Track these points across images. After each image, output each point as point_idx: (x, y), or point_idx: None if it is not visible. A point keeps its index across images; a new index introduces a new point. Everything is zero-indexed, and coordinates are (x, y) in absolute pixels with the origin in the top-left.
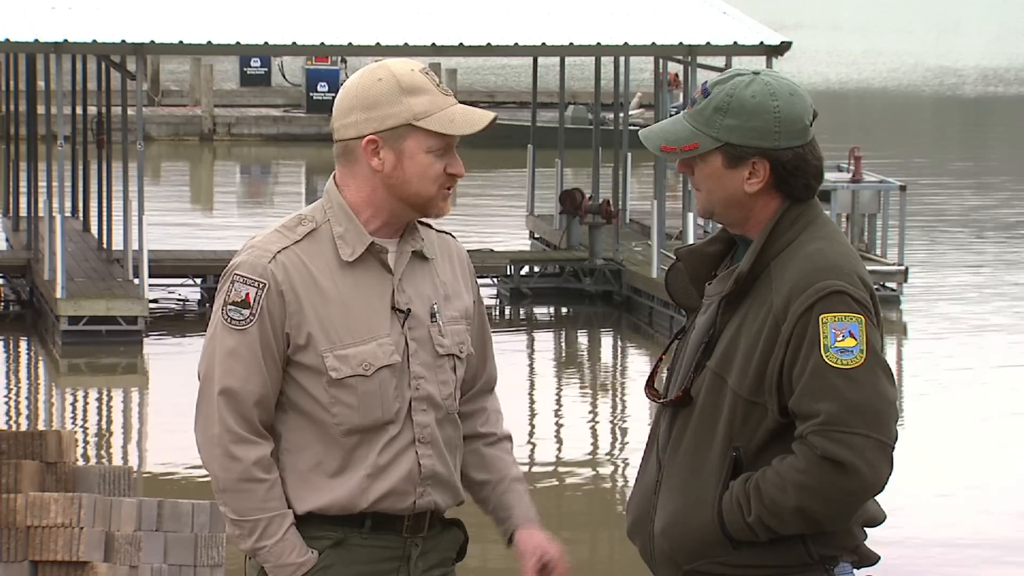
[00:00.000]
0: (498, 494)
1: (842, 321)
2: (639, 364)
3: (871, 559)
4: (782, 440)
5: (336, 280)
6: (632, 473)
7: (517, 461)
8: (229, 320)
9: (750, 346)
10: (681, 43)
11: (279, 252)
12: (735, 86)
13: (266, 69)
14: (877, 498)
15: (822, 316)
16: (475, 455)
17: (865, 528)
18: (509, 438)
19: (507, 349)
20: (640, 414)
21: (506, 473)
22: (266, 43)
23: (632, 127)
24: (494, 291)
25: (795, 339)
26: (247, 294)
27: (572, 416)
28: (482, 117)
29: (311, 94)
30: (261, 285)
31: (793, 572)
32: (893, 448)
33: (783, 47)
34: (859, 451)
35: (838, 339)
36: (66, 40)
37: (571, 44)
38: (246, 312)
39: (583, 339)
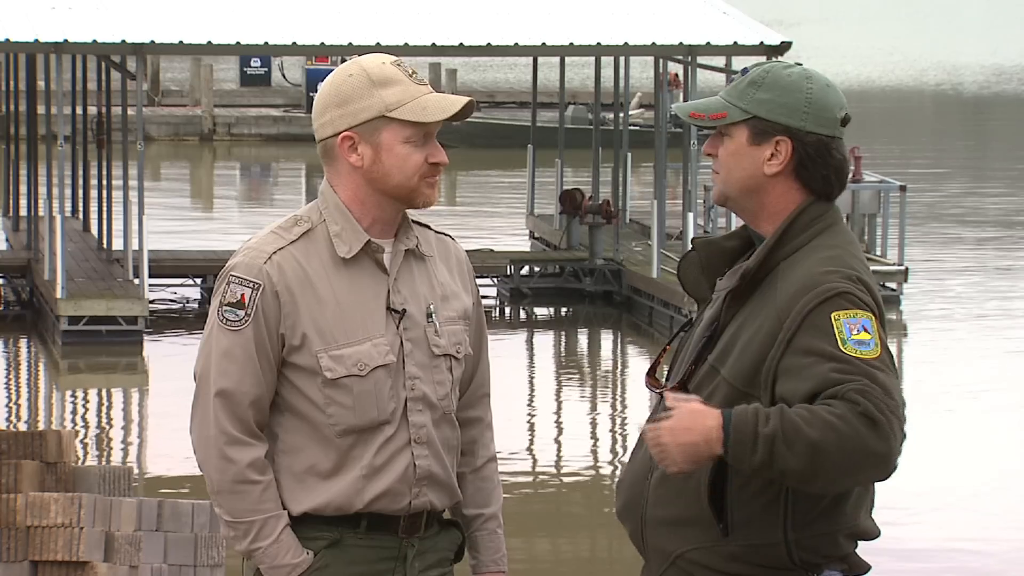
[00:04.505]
0: (471, 531)
1: (854, 317)
2: (639, 364)
3: (862, 568)
4: None
5: (331, 280)
6: None
7: (500, 482)
8: (224, 321)
9: (748, 340)
10: (681, 43)
11: (274, 253)
12: (774, 66)
13: (266, 69)
14: (870, 512)
15: (834, 314)
16: (459, 482)
17: (858, 541)
18: (495, 458)
19: (507, 349)
20: (640, 414)
21: (483, 510)
22: (266, 43)
23: (632, 127)
24: (494, 291)
25: (800, 337)
26: (242, 295)
27: (572, 416)
28: (455, 102)
29: (311, 94)
30: (256, 286)
31: (775, 574)
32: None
33: (783, 47)
34: (892, 424)
35: (854, 333)
36: (66, 40)
37: (571, 44)
38: (241, 313)
39: (583, 339)
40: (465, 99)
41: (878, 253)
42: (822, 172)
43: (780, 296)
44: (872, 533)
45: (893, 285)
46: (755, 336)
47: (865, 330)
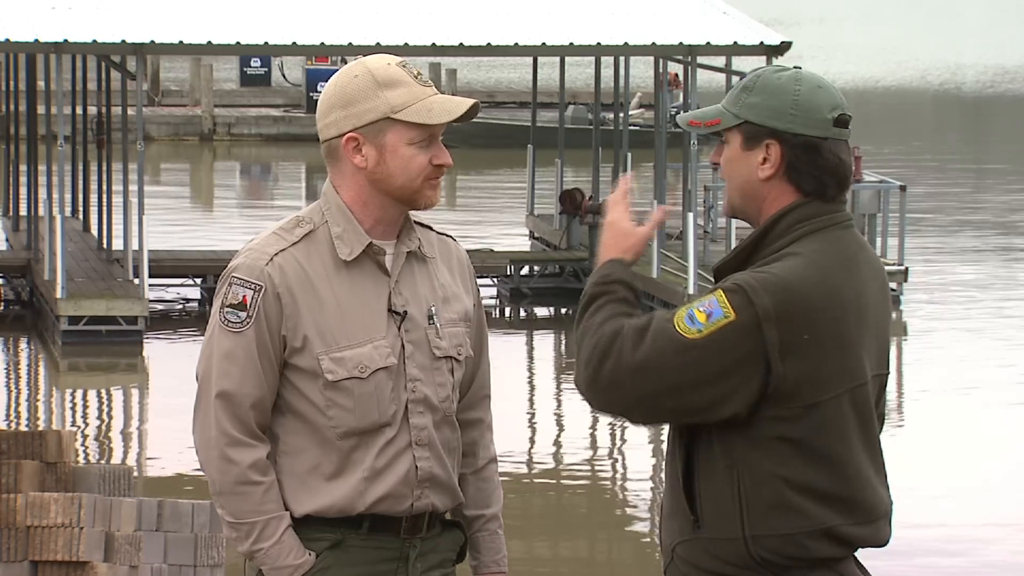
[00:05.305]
0: (472, 532)
1: (719, 306)
2: None
3: None
4: (729, 424)
5: (333, 282)
6: (631, 473)
7: (500, 483)
8: (226, 322)
9: None
10: (681, 43)
11: (276, 254)
12: (767, 70)
13: (266, 69)
14: (868, 517)
15: (719, 290)
16: (460, 484)
17: (856, 544)
18: (495, 459)
19: (507, 349)
20: None
21: (484, 511)
22: (266, 43)
23: (632, 127)
24: (494, 291)
25: None
26: (244, 296)
27: (572, 416)
28: (460, 104)
29: (311, 94)
30: (258, 288)
31: (743, 574)
32: (641, 411)
33: (783, 47)
34: (599, 369)
35: (698, 308)
36: (66, 40)
37: (571, 44)
38: (243, 314)
39: None
40: (471, 101)
41: (878, 253)
42: (813, 173)
43: None
44: (860, 539)
45: (893, 285)
46: None
47: (708, 316)
